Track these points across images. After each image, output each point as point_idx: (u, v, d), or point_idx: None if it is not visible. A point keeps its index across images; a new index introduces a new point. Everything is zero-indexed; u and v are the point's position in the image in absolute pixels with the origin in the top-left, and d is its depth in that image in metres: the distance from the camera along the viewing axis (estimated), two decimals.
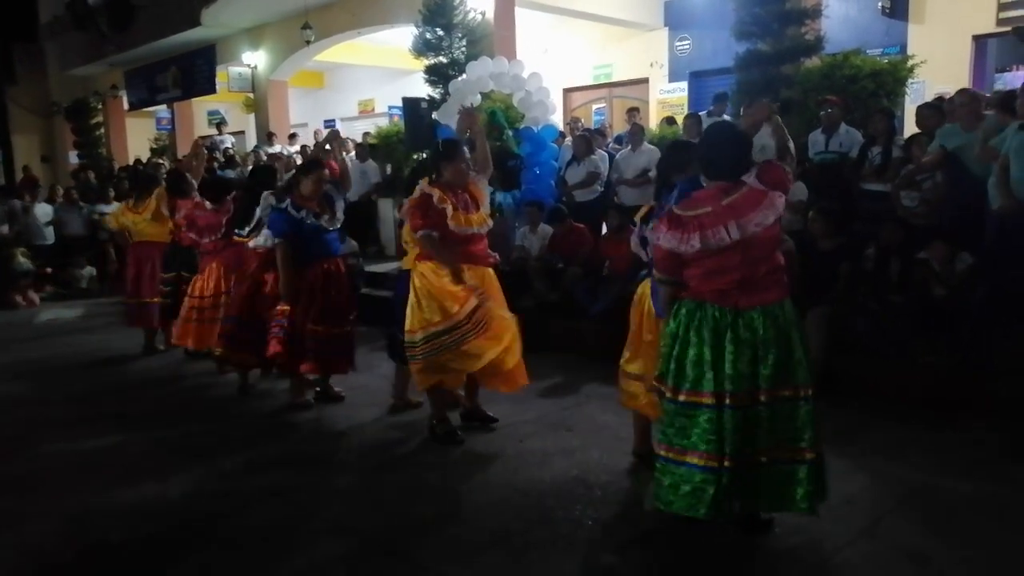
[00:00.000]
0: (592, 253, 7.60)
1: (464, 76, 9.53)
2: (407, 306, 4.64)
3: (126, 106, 20.65)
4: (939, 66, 9.81)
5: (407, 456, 4.68)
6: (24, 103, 22.00)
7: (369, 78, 18.26)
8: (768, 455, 3.27)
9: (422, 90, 11.31)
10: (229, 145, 15.81)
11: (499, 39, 11.58)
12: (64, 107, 20.79)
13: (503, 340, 4.54)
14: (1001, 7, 10.59)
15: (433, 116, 9.99)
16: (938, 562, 3.25)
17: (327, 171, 5.59)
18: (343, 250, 5.78)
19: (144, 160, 16.48)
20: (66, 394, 6.34)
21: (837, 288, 5.88)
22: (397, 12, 12.83)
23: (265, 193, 5.94)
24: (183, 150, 17.53)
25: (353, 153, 11.87)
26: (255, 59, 16.52)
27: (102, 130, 20.59)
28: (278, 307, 5.60)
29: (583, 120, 12.67)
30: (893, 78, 8.02)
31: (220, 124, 17.12)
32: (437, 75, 11.13)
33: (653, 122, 12.06)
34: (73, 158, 20.24)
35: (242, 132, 19.95)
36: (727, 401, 3.22)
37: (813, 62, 8.51)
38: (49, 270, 11.93)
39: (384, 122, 15.40)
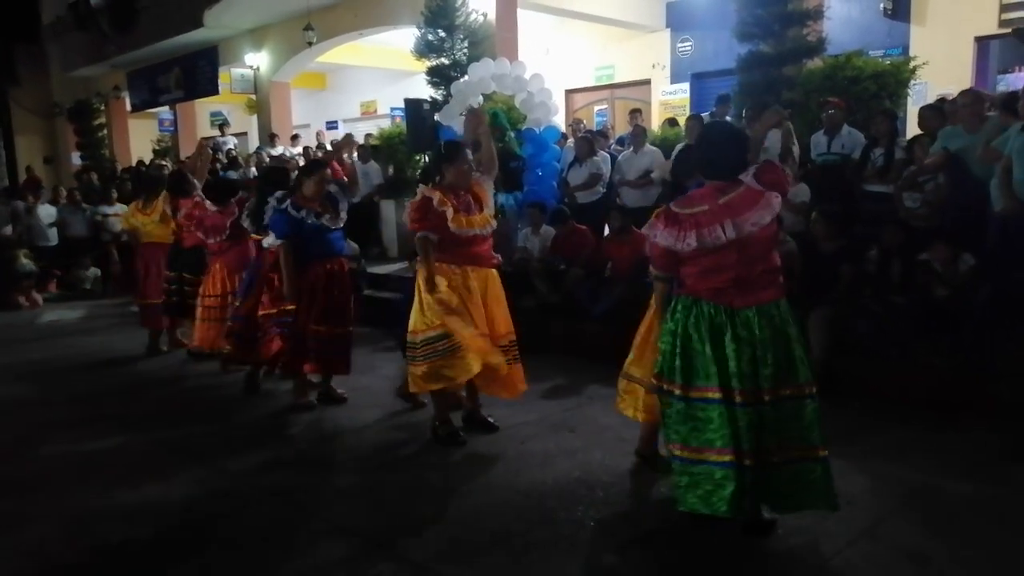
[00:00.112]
0: (594, 254, 7.60)
1: (466, 77, 9.53)
2: (412, 308, 4.67)
3: (128, 107, 20.68)
4: (941, 67, 9.81)
5: (409, 457, 4.68)
6: (27, 104, 22.04)
7: (371, 79, 18.27)
8: (779, 455, 3.27)
9: (424, 91, 11.31)
10: (232, 146, 15.81)
11: (501, 40, 11.58)
12: (67, 108, 20.84)
13: (489, 356, 4.55)
14: (1003, 8, 10.60)
15: (435, 117, 10.00)
16: (938, 563, 3.25)
17: (330, 172, 5.60)
18: (346, 250, 5.78)
19: (147, 161, 16.48)
20: (68, 395, 6.35)
21: (839, 289, 5.88)
22: (399, 13, 12.84)
23: (277, 194, 5.95)
24: (186, 151, 17.55)
25: (356, 155, 11.86)
26: (257, 60, 16.54)
27: (105, 131, 20.62)
28: (281, 306, 5.66)
29: (585, 121, 12.67)
30: (895, 79, 8.01)
31: (223, 125, 17.13)
32: (439, 76, 11.14)
33: (655, 123, 12.07)
34: (76, 159, 20.28)
35: (244, 133, 19.98)
36: (737, 399, 3.23)
37: (815, 63, 8.50)
38: (58, 272, 11.96)
39: (386, 123, 15.44)
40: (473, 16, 11.47)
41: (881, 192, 6.71)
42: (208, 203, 6.87)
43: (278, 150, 14.28)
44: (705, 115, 9.31)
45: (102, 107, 20.59)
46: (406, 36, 12.30)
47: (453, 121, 9.46)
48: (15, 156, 21.01)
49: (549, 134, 9.21)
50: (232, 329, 6.05)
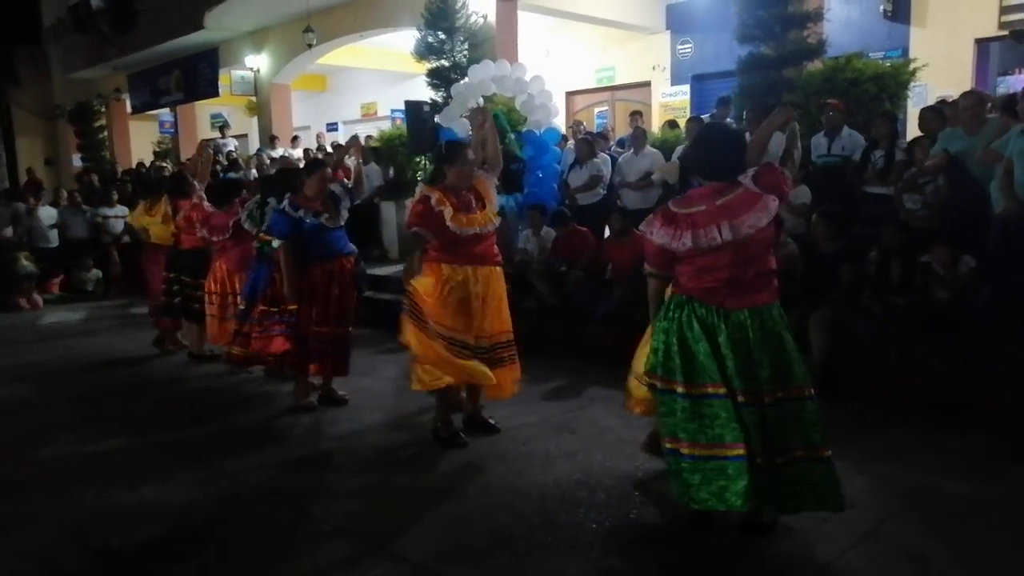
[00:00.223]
0: (594, 256, 7.60)
1: (466, 79, 9.53)
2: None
3: (129, 109, 20.68)
4: (941, 69, 9.82)
5: (409, 459, 4.68)
6: (27, 106, 22.05)
7: (371, 81, 18.28)
8: (782, 456, 3.27)
9: (424, 93, 11.32)
10: (232, 148, 15.82)
11: (501, 42, 11.58)
12: (67, 110, 20.84)
13: (468, 379, 4.64)
14: (1003, 10, 10.60)
15: (435, 119, 10.01)
16: (938, 564, 3.25)
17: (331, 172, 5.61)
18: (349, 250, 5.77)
19: (147, 163, 16.49)
20: (68, 396, 6.35)
21: (839, 290, 5.89)
22: (399, 16, 12.85)
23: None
24: (186, 153, 17.55)
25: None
26: (258, 62, 16.55)
27: (105, 133, 20.63)
28: (283, 305, 5.66)
29: (585, 123, 12.67)
30: (895, 81, 8.02)
31: (223, 127, 17.14)
32: (439, 78, 11.15)
33: (655, 125, 12.07)
34: (77, 161, 20.28)
35: (245, 135, 19.99)
36: (740, 399, 3.23)
37: (815, 65, 8.51)
38: (62, 275, 11.97)
39: (386, 125, 15.43)
40: (473, 18, 11.48)
41: (881, 194, 6.72)
42: (207, 204, 6.87)
43: (278, 152, 14.28)
44: (705, 117, 9.32)
45: (103, 109, 20.60)
46: (406, 38, 12.31)
47: (453, 123, 9.46)
48: (16, 158, 21.01)
49: (549, 136, 9.21)
50: (239, 328, 6.10)
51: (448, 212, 4.48)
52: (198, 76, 17.76)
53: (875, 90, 7.91)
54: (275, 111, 16.64)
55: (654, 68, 14.44)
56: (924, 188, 6.35)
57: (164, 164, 15.31)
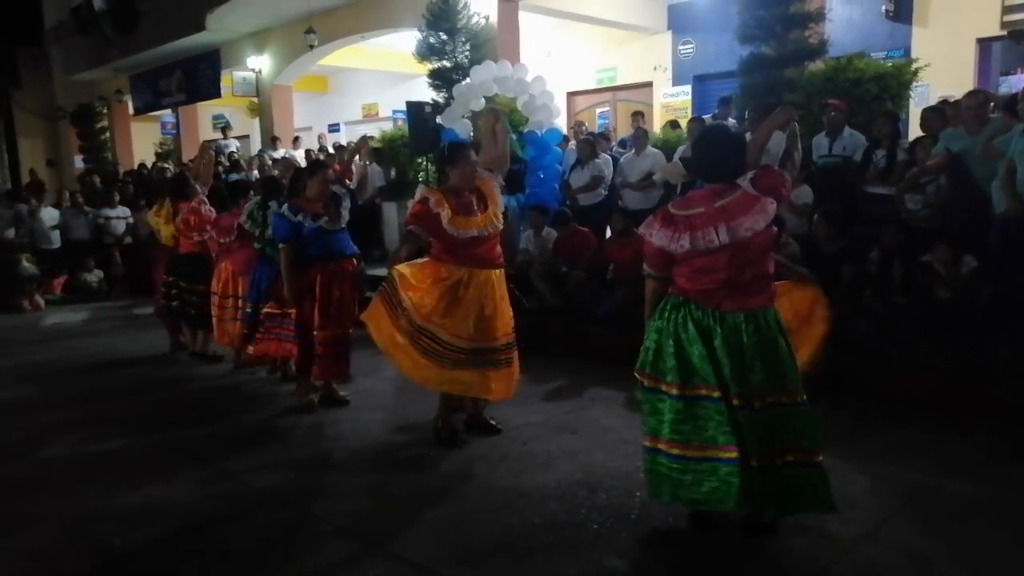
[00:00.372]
0: (596, 256, 7.60)
1: (468, 80, 9.54)
2: None
3: (131, 110, 20.72)
4: (943, 69, 9.81)
5: (410, 459, 4.68)
6: (29, 107, 22.08)
7: (373, 82, 18.30)
8: (777, 458, 3.27)
9: (426, 94, 11.32)
10: (234, 149, 15.84)
11: (502, 43, 11.59)
12: (69, 112, 20.88)
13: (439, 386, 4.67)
14: (1005, 10, 10.60)
15: (437, 120, 10.02)
16: (940, 564, 3.25)
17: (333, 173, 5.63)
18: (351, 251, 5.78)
19: (149, 164, 16.51)
20: (70, 397, 6.36)
21: (840, 290, 5.88)
22: (401, 16, 12.86)
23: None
24: (188, 154, 17.59)
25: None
26: (259, 63, 16.56)
27: (107, 134, 20.66)
28: (285, 308, 5.68)
29: (587, 124, 12.67)
30: (897, 81, 8.01)
31: (224, 128, 17.17)
32: (441, 79, 11.16)
33: (657, 126, 12.08)
34: (78, 162, 20.32)
35: (246, 136, 20.03)
36: (735, 402, 3.23)
37: (817, 65, 8.51)
38: (66, 276, 11.99)
39: (388, 126, 15.43)
40: (475, 19, 11.49)
41: (883, 194, 6.71)
42: (206, 207, 6.88)
43: (280, 153, 14.30)
44: (707, 117, 9.32)
45: (104, 110, 20.63)
46: (408, 39, 12.32)
47: (455, 124, 9.47)
48: (18, 159, 21.03)
49: (551, 136, 9.22)
50: (244, 329, 6.21)
51: (446, 214, 4.46)
52: (200, 77, 17.79)
53: (877, 90, 7.91)
54: (277, 112, 16.66)
55: (655, 68, 14.45)
56: (925, 188, 6.34)
57: (166, 165, 15.32)
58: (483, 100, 9.55)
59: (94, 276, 12.12)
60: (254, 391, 6.31)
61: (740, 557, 3.37)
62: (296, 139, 15.77)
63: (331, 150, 13.71)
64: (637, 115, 9.75)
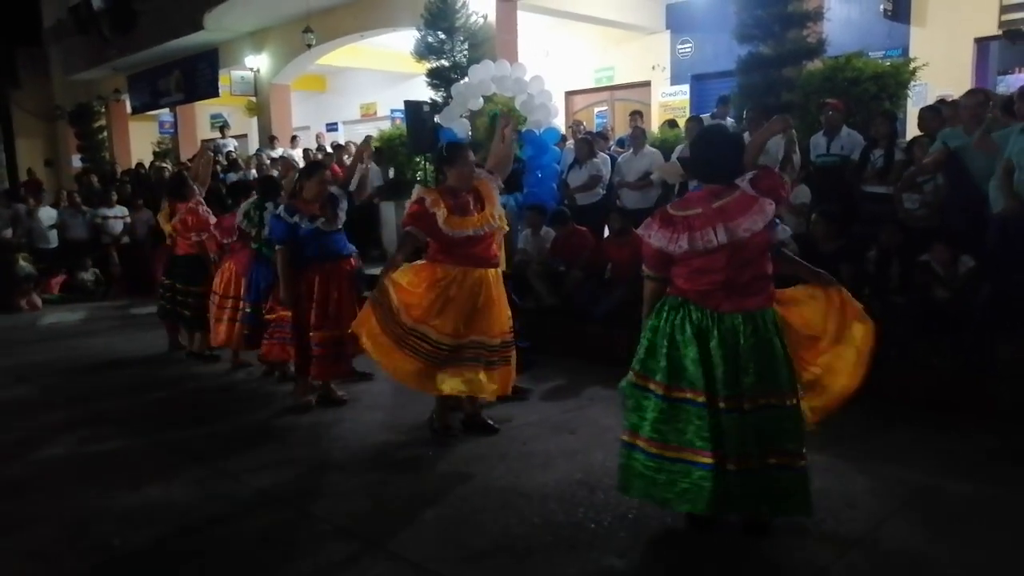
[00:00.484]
0: (594, 256, 7.60)
1: (466, 79, 9.54)
2: None
3: (129, 110, 20.71)
4: (941, 69, 9.81)
5: (409, 459, 4.68)
6: (28, 107, 22.07)
7: (371, 82, 18.28)
8: (759, 460, 3.27)
9: (424, 93, 11.32)
10: (232, 148, 15.84)
11: (501, 42, 11.59)
12: (67, 111, 20.86)
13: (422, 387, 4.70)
14: (1003, 9, 10.60)
15: (435, 119, 10.01)
16: (939, 564, 3.25)
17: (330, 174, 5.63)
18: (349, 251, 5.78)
19: (147, 164, 16.50)
20: (69, 397, 6.35)
21: None
22: (399, 16, 12.85)
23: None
24: (186, 154, 17.57)
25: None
26: (257, 63, 16.56)
27: (105, 134, 20.65)
28: (280, 311, 5.68)
29: (585, 123, 12.67)
30: (895, 81, 8.01)
31: (223, 128, 17.16)
32: (439, 78, 11.15)
33: (655, 125, 12.07)
34: (76, 162, 20.31)
35: (244, 136, 19.99)
36: (721, 405, 3.24)
37: (815, 65, 8.50)
38: (63, 275, 11.98)
39: (386, 125, 15.43)
40: (473, 18, 11.49)
41: (880, 193, 6.71)
42: (203, 208, 6.87)
43: (278, 152, 14.29)
44: (705, 117, 9.32)
45: (103, 110, 20.62)
46: (406, 38, 12.31)
47: (453, 123, 9.46)
48: (16, 159, 21.04)
49: (549, 136, 9.21)
50: (246, 330, 6.26)
51: (441, 214, 4.48)
52: (198, 77, 17.77)
53: (875, 89, 7.91)
54: (275, 111, 16.65)
55: (654, 68, 14.44)
56: (923, 187, 6.35)
57: (164, 165, 15.32)
58: (481, 99, 9.56)
59: (91, 276, 12.10)
60: (253, 391, 6.32)
61: (739, 557, 3.37)
62: (294, 138, 15.77)
63: (329, 149, 13.71)
64: (635, 114, 9.75)
